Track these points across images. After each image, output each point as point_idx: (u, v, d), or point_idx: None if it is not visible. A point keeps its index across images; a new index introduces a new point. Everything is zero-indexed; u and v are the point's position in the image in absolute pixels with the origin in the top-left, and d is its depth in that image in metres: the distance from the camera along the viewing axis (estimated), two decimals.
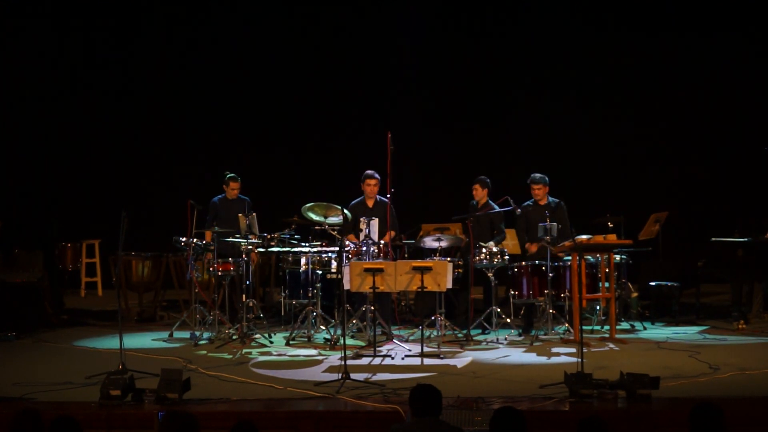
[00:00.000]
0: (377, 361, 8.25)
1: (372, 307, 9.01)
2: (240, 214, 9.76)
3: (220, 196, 10.43)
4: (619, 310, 10.05)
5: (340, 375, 7.20)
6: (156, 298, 11.51)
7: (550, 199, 9.91)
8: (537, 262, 9.54)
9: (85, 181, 13.79)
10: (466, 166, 12.34)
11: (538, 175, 9.90)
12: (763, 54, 13.01)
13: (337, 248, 9.33)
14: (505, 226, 10.84)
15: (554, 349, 8.69)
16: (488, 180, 10.09)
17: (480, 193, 10.02)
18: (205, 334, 9.46)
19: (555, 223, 9.35)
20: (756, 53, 13.04)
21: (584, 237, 9.38)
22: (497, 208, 9.91)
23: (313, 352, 8.79)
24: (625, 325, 10.02)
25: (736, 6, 13.03)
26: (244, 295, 9.56)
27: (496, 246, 9.58)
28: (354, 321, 9.52)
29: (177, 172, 13.50)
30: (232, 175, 10.34)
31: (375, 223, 9.47)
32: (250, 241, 9.57)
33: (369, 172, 9.93)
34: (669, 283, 10.54)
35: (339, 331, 8.89)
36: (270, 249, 9.95)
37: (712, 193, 12.94)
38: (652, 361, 7.94)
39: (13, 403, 6.61)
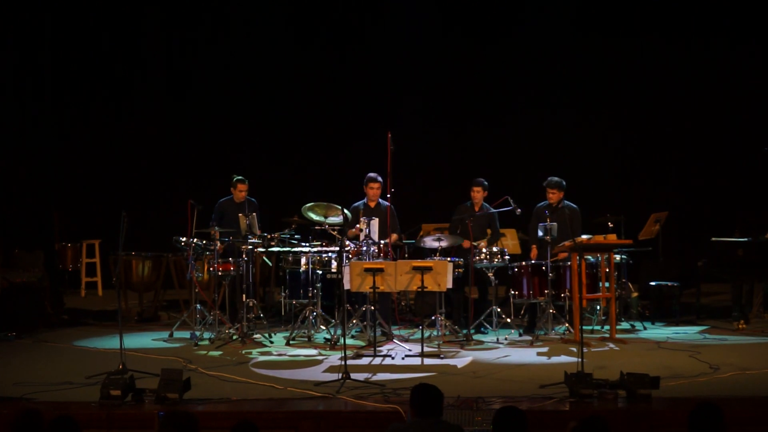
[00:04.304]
0: (377, 361, 8.25)
1: (372, 307, 9.01)
2: (240, 214, 9.77)
3: (226, 198, 10.42)
4: (619, 310, 10.05)
5: (340, 375, 7.20)
6: (156, 298, 11.51)
7: (565, 203, 9.89)
8: (537, 261, 9.56)
9: (85, 181, 13.79)
10: (466, 167, 12.35)
11: (555, 179, 9.85)
12: (761, 55, 13.01)
13: (337, 248, 9.33)
14: (506, 226, 10.88)
15: (554, 349, 8.69)
16: (486, 183, 10.10)
17: (480, 195, 10.01)
18: (205, 334, 9.46)
19: (555, 223, 9.35)
20: (755, 54, 13.05)
21: (584, 237, 9.40)
22: (492, 210, 9.93)
23: (313, 352, 8.79)
24: (625, 325, 10.02)
25: (734, 9, 13.03)
26: (244, 295, 9.56)
27: (488, 246, 9.61)
28: (354, 321, 9.52)
29: (177, 172, 13.50)
30: (240, 177, 10.30)
31: (375, 222, 9.47)
32: (251, 241, 9.58)
33: (372, 175, 9.91)
34: (669, 283, 10.54)
35: (339, 331, 8.89)
36: (270, 249, 9.95)
37: (712, 193, 12.94)
38: (652, 361, 7.94)
39: (13, 403, 6.61)
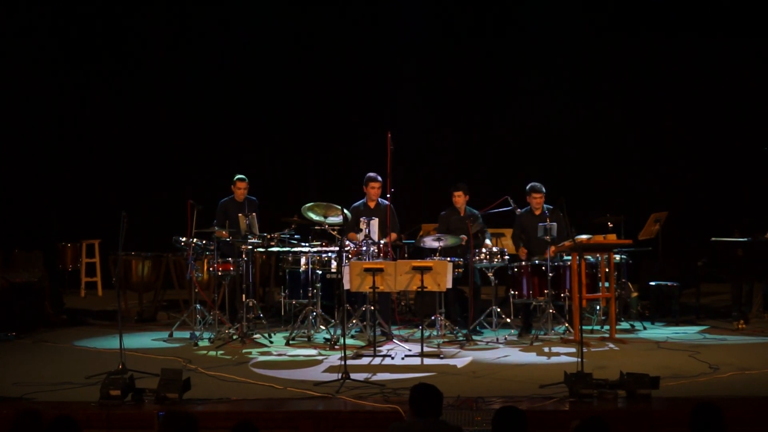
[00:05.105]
0: (377, 361, 8.25)
1: (372, 307, 9.01)
2: (240, 214, 9.77)
3: (227, 198, 10.41)
4: (619, 310, 10.05)
5: (340, 375, 7.20)
6: (156, 298, 11.51)
7: (545, 206, 9.88)
8: (537, 261, 9.54)
9: (85, 181, 13.78)
10: (465, 166, 12.35)
11: (538, 184, 9.89)
12: (762, 54, 13.01)
13: (337, 248, 9.33)
14: (506, 226, 10.86)
15: (554, 349, 8.69)
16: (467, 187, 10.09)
17: (463, 200, 10.00)
18: (205, 334, 9.46)
19: (555, 223, 9.36)
20: (755, 53, 13.04)
21: (584, 237, 9.39)
22: (475, 211, 9.93)
23: (313, 352, 8.79)
24: (625, 325, 10.02)
25: (735, 7, 13.03)
26: (244, 295, 9.56)
27: (488, 241, 9.63)
28: (354, 321, 9.52)
29: (177, 171, 13.49)
30: (241, 176, 10.33)
31: (375, 222, 9.47)
32: (251, 241, 9.58)
33: (372, 174, 9.90)
34: (669, 283, 10.54)
35: (339, 331, 8.89)
36: (270, 249, 9.94)
37: (712, 193, 12.94)
38: (652, 361, 7.95)
39: (13, 403, 6.61)
